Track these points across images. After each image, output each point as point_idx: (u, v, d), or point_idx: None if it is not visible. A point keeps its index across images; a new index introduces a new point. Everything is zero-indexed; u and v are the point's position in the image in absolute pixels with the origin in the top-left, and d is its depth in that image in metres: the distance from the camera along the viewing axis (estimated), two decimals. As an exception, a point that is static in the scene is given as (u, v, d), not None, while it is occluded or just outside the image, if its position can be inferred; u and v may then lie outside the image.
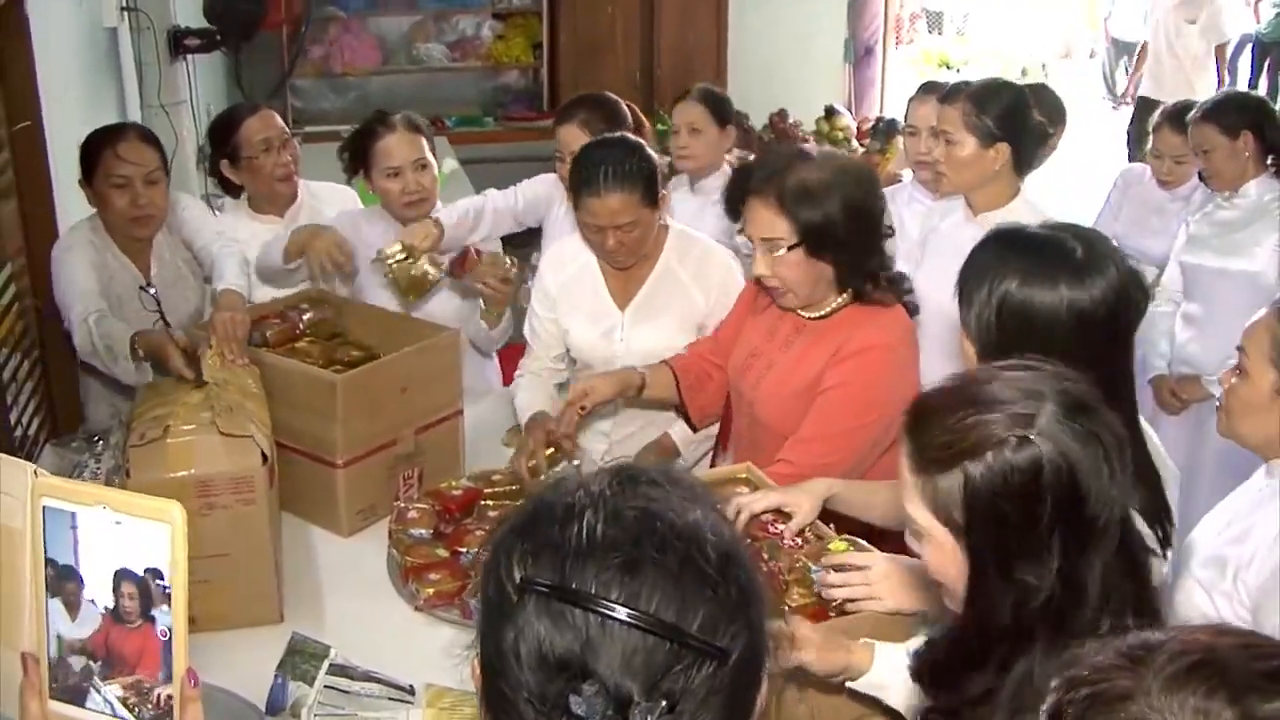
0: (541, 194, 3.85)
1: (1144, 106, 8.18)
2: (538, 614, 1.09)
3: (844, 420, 2.74)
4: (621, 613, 1.06)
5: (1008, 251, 2.13)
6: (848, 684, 2.07)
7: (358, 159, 3.63)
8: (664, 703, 1.05)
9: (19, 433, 3.48)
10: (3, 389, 3.37)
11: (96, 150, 3.37)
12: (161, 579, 1.24)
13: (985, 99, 3.47)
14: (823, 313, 2.83)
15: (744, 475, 2.67)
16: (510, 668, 1.10)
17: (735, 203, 2.84)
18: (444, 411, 3.24)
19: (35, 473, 1.31)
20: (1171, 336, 4.28)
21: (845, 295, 2.79)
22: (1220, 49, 8.96)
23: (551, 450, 3.06)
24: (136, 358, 3.06)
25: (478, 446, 3.36)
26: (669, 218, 3.33)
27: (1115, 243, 4.61)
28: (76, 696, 1.31)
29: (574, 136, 3.60)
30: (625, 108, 3.85)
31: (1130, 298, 2.10)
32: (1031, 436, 1.57)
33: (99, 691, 1.29)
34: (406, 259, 3.36)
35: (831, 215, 2.66)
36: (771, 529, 2.49)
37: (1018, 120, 3.49)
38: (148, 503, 1.26)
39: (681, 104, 4.39)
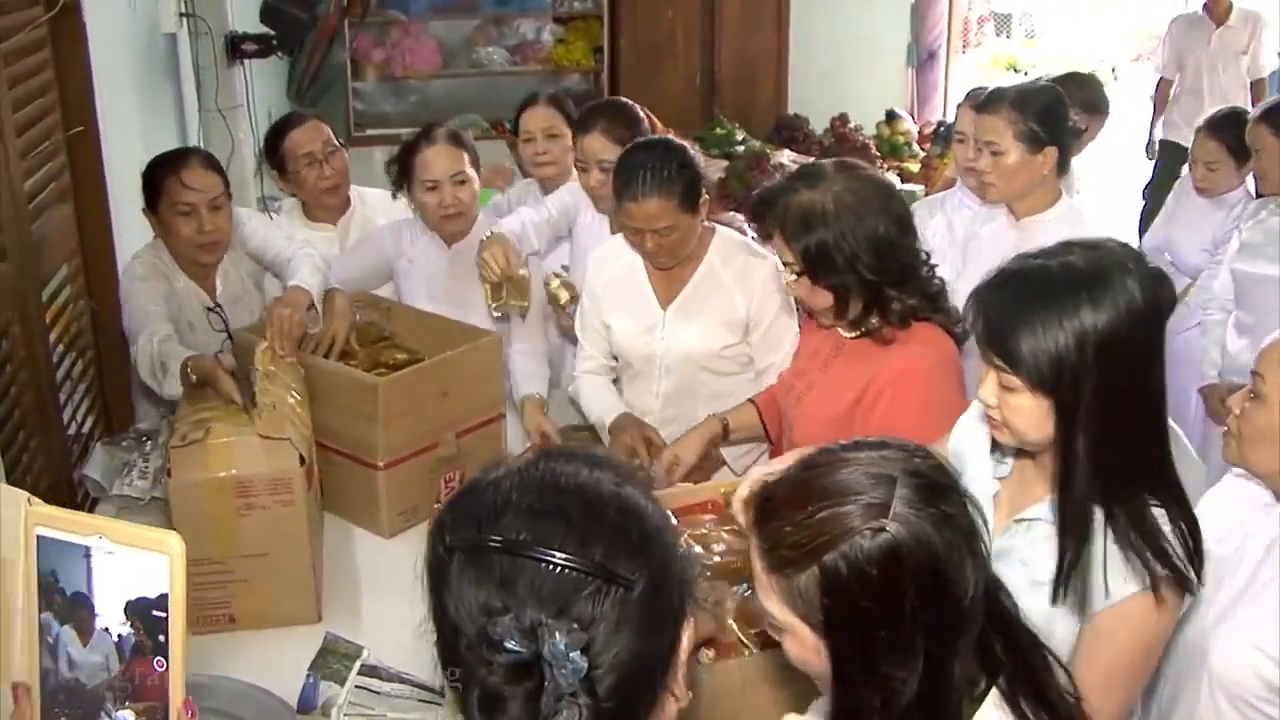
0: (569, 203, 3.84)
1: (1172, 153, 7.15)
2: (463, 569, 1.25)
3: None
4: (526, 550, 1.22)
5: (1049, 285, 1.92)
6: None
7: (402, 172, 3.65)
8: (575, 625, 1.19)
9: (72, 430, 3.55)
10: (57, 388, 3.43)
11: (160, 178, 3.37)
12: (162, 610, 1.26)
13: (1026, 104, 3.45)
14: (857, 333, 2.79)
15: (777, 483, 2.66)
16: (450, 622, 1.25)
17: (760, 222, 2.83)
18: (486, 415, 3.26)
19: (29, 501, 1.31)
20: (1223, 345, 4.23)
21: (876, 318, 2.73)
22: (1256, 84, 7.69)
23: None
24: (187, 380, 3.06)
25: (520, 451, 3.38)
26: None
27: (1163, 249, 4.57)
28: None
29: (598, 145, 3.58)
30: (642, 113, 3.79)
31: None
32: (887, 526, 1.49)
33: (110, 716, 1.30)
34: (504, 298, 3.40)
35: (828, 242, 2.62)
36: None
37: (1060, 120, 3.48)
38: (146, 534, 1.27)
39: (532, 110, 4.16)
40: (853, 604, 1.50)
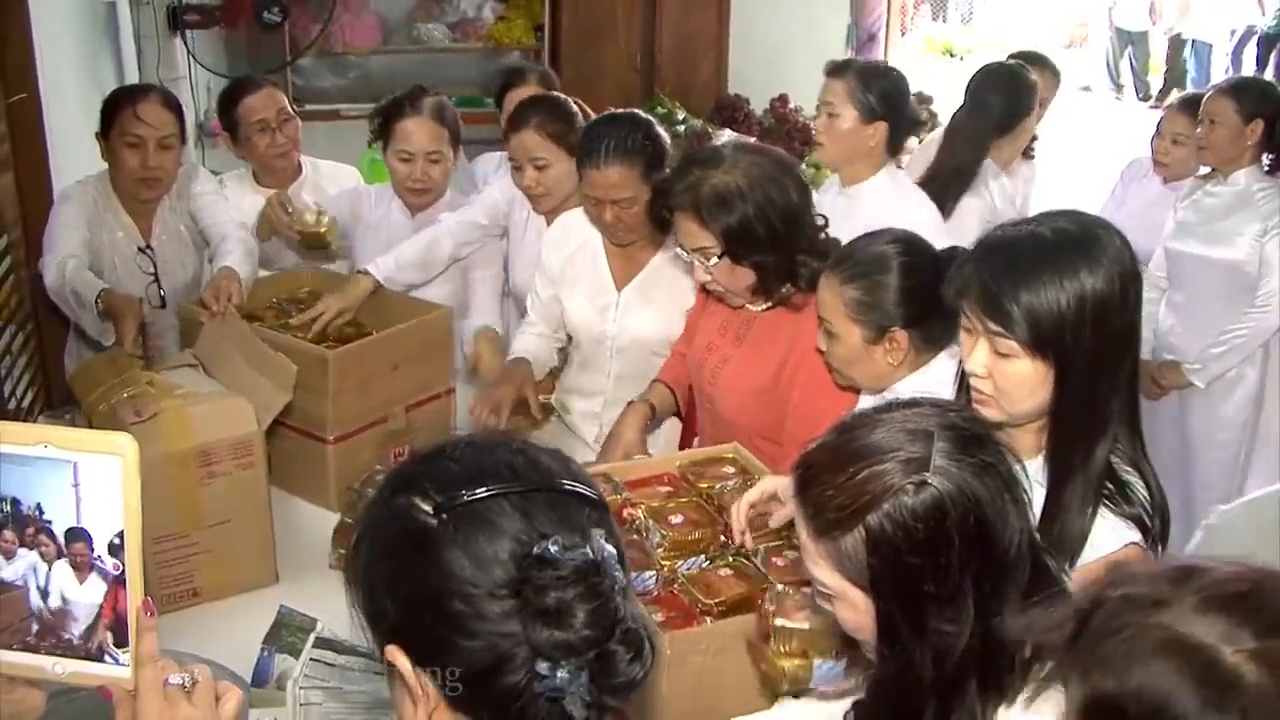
0: (500, 200, 3.76)
1: None
2: (466, 527, 1.24)
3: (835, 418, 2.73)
4: (528, 484, 1.27)
5: (1042, 249, 1.94)
6: None
7: (382, 129, 3.63)
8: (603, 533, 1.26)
9: (13, 404, 3.50)
10: (-2, 360, 3.39)
11: (117, 107, 3.40)
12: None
13: (871, 78, 3.60)
14: (768, 305, 2.85)
15: (730, 455, 2.68)
16: (460, 583, 1.23)
17: (658, 216, 2.85)
18: (435, 389, 3.26)
19: None
20: (1155, 323, 4.28)
21: (788, 286, 2.79)
22: None
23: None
24: (100, 312, 3.09)
25: (470, 425, 3.36)
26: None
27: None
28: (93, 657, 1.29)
29: (531, 142, 3.50)
30: (575, 104, 3.71)
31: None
32: (928, 479, 1.50)
33: (115, 659, 1.27)
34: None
35: (750, 217, 2.67)
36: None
37: (897, 103, 3.61)
38: (94, 437, 1.24)
39: (523, 88, 4.16)
40: (899, 560, 1.50)
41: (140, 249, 3.50)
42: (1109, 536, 1.93)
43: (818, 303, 2.56)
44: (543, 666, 1.20)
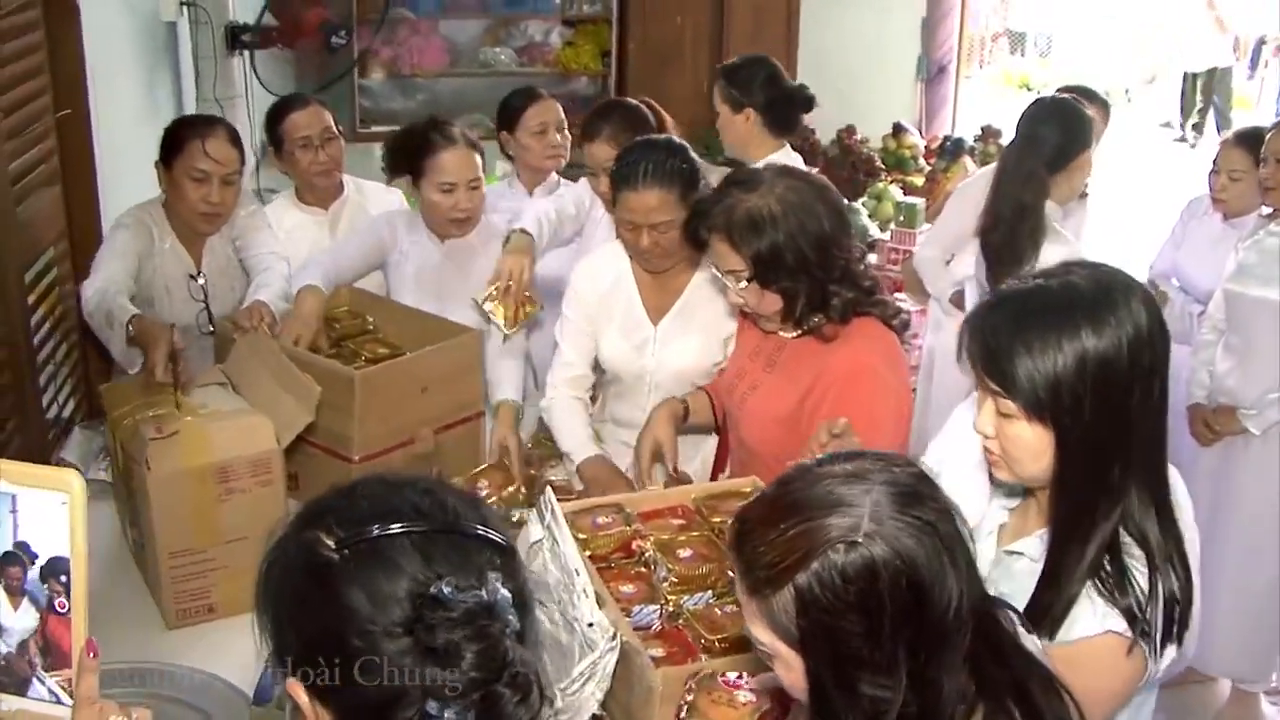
0: (585, 195, 3.84)
1: None
2: (368, 563, 1.26)
3: None
4: (432, 524, 1.28)
5: (1048, 306, 1.82)
6: None
7: (409, 163, 3.59)
8: (499, 575, 1.26)
9: (53, 414, 3.54)
10: (38, 370, 3.43)
11: (184, 138, 3.42)
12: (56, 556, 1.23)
13: (732, 73, 4.12)
14: (799, 332, 2.82)
15: (748, 490, 2.64)
16: (358, 620, 1.24)
17: (695, 236, 2.83)
18: (465, 412, 3.24)
19: None
20: (1213, 366, 4.18)
21: (820, 316, 2.76)
22: None
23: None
24: (130, 338, 3.08)
25: (495, 449, 3.35)
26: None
27: (1171, 274, 4.46)
28: (19, 687, 1.30)
29: (605, 153, 3.57)
30: (648, 110, 3.83)
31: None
32: (859, 540, 1.43)
33: (43, 682, 1.29)
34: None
35: (779, 244, 2.64)
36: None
37: (756, 88, 4.04)
38: (44, 472, 1.25)
39: (542, 103, 4.24)
40: (828, 622, 1.44)
41: (191, 276, 3.52)
42: (1090, 621, 1.81)
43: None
44: (431, 706, 1.22)
